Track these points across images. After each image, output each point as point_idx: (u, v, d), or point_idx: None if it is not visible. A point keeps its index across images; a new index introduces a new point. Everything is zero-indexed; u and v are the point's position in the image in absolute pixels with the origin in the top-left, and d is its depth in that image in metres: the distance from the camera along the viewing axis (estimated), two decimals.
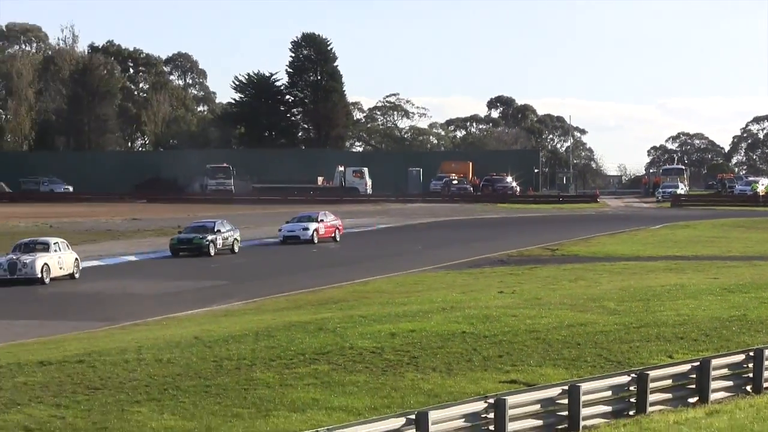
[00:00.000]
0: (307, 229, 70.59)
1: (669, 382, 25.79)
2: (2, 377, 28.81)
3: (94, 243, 68.96)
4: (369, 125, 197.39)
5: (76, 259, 52.64)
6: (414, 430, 21.32)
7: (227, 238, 64.46)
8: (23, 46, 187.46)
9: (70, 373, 29.13)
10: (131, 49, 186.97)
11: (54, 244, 51.71)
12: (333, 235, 72.86)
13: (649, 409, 24.73)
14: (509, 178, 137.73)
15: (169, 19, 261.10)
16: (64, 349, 32.77)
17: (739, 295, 41.12)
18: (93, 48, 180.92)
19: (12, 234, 74.49)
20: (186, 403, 26.25)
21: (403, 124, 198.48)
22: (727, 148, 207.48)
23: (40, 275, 49.50)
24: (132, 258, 61.49)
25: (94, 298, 45.89)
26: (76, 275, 52.06)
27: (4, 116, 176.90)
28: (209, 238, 62.39)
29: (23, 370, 29.51)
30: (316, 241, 69.93)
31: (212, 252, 62.19)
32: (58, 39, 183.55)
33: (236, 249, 65.55)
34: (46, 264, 49.82)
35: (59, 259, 50.89)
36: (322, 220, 72.34)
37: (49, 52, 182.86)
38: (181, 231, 65.39)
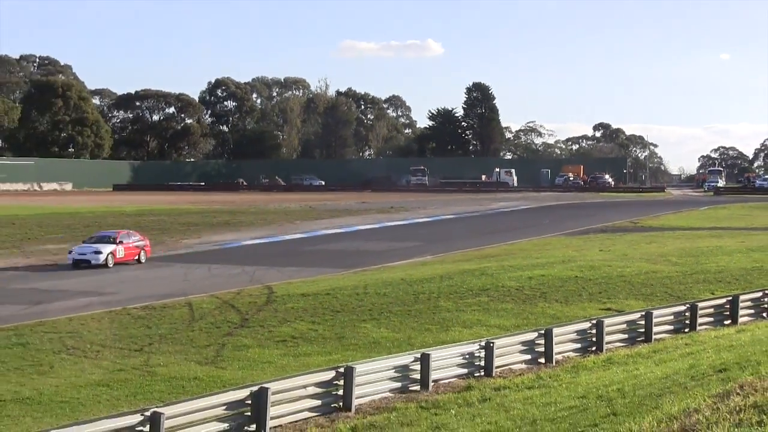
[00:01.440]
0: (99, 252, 41.79)
1: (711, 310, 25.42)
2: (278, 304, 29.31)
3: (337, 218, 69.52)
4: (515, 141, 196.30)
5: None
6: (543, 340, 21.22)
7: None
8: (294, 92, 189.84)
9: (321, 301, 29.52)
10: (362, 93, 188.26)
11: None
12: (137, 257, 43.40)
13: (698, 328, 24.39)
14: (607, 176, 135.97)
15: (388, 73, 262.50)
16: (317, 285, 33.17)
17: (759, 253, 40.29)
18: (338, 93, 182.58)
19: (286, 212, 75.65)
20: (395, 321, 26.45)
21: (538, 140, 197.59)
22: (751, 156, 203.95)
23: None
24: (362, 227, 61.86)
25: (337, 254, 46.33)
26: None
27: (281, 136, 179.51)
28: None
29: (291, 299, 29.99)
30: (111, 265, 41.41)
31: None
32: (317, 87, 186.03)
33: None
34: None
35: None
36: (121, 242, 43.15)
37: (310, 96, 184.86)
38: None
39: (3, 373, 21.23)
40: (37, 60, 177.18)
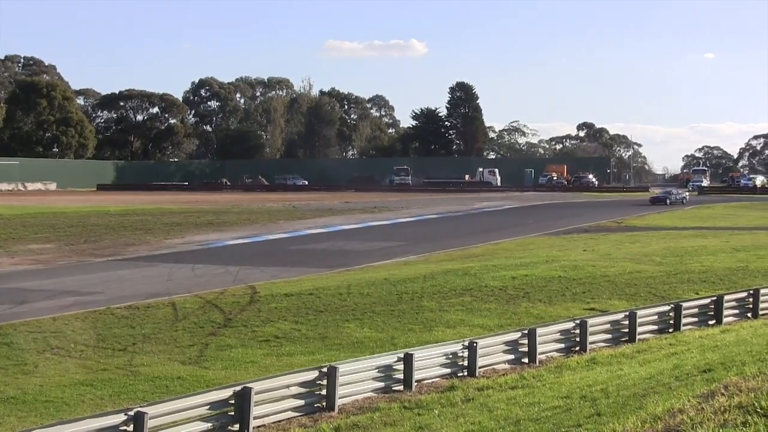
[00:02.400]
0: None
1: (696, 310, 25.34)
2: (262, 304, 29.17)
3: (320, 217, 69.41)
4: (499, 141, 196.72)
5: None
6: (527, 340, 21.15)
7: None
8: (277, 92, 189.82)
9: (304, 301, 29.39)
10: (346, 92, 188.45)
11: None
12: None
13: (683, 328, 24.31)
14: (590, 176, 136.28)
15: (371, 72, 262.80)
16: (300, 285, 33.03)
17: (743, 253, 40.25)
18: (322, 92, 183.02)
19: (269, 211, 75.49)
20: (378, 321, 26.34)
21: (521, 140, 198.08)
22: (735, 156, 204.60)
23: None
24: (345, 227, 61.73)
25: (320, 254, 46.23)
26: None
27: (264, 136, 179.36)
28: None
29: (275, 299, 29.85)
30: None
31: None
32: (300, 87, 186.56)
33: None
34: None
35: None
36: None
37: (294, 95, 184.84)
38: None
39: None
40: (22, 60, 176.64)
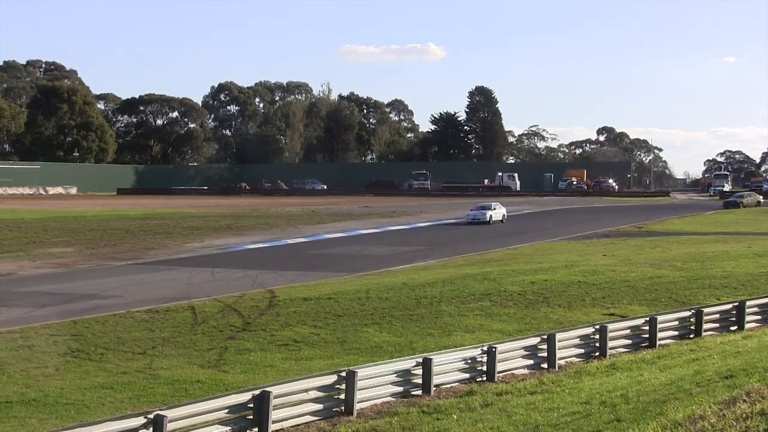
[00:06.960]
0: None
1: (717, 316, 25.22)
2: (280, 308, 29.18)
3: (339, 222, 69.34)
4: (518, 145, 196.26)
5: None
6: (546, 345, 21.07)
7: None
8: (296, 96, 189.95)
9: (323, 305, 29.40)
10: (365, 97, 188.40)
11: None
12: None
13: (704, 334, 24.19)
14: (610, 180, 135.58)
15: (390, 77, 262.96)
16: (319, 290, 33.04)
17: (766, 258, 40.01)
18: (341, 97, 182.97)
19: (288, 216, 75.53)
20: (397, 326, 26.32)
21: (541, 144, 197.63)
22: (758, 160, 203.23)
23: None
24: (364, 231, 61.67)
25: (339, 258, 46.19)
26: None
27: (283, 140, 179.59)
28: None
29: (293, 303, 29.86)
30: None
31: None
32: (319, 91, 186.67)
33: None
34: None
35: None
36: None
37: (313, 100, 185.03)
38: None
39: (9, 374, 21.23)
40: (44, 65, 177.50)
